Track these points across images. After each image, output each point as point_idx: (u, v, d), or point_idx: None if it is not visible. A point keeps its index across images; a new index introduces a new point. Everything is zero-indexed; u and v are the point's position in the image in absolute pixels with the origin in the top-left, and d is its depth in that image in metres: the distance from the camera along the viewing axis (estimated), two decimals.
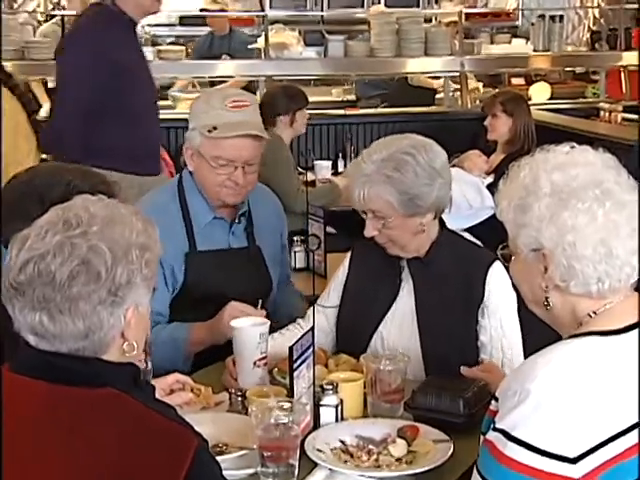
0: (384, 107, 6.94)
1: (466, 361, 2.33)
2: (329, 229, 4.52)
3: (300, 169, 5.64)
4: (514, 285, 1.76)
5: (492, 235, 2.22)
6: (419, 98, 6.84)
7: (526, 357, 1.63)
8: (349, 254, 2.63)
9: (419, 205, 2.37)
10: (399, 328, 2.47)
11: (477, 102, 6.72)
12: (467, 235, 2.76)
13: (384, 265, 2.50)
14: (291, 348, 2.00)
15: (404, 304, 2.48)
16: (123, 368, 1.51)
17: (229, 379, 2.32)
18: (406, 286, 2.49)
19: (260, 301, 2.46)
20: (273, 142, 4.67)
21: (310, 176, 4.99)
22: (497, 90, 6.82)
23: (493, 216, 1.76)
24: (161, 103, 4.75)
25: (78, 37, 3.93)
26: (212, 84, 6.84)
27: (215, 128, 2.58)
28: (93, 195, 1.62)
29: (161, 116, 4.17)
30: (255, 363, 2.28)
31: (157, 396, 1.62)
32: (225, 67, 6.50)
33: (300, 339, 2.04)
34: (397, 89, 7.06)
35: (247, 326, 2.33)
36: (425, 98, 6.91)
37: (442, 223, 2.51)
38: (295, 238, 3.56)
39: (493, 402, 1.60)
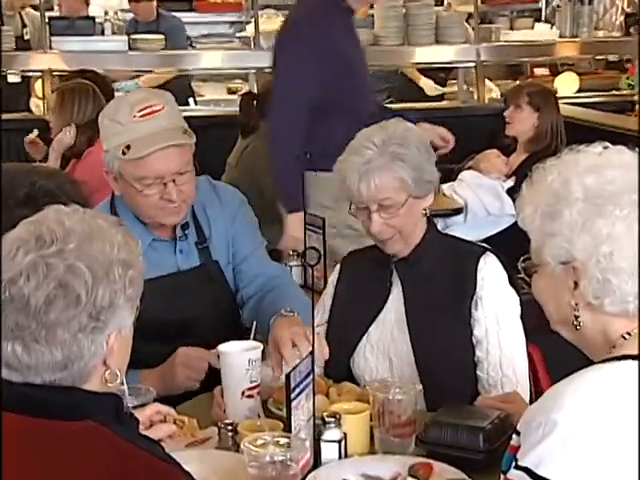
0: (389, 102, 6.97)
1: (461, 361, 2.46)
2: None
3: None
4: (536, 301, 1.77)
5: (513, 246, 2.23)
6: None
7: (552, 385, 1.64)
8: (339, 265, 2.76)
9: (429, 182, 2.52)
10: (390, 332, 2.57)
11: (497, 95, 6.75)
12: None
13: (374, 269, 2.63)
14: (288, 376, 2.01)
15: (394, 307, 2.58)
16: (104, 398, 1.53)
17: (217, 411, 2.34)
18: (396, 288, 2.60)
19: (254, 324, 2.46)
20: (255, 149, 4.67)
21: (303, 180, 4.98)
22: (518, 82, 6.85)
23: (514, 224, 1.78)
24: None
25: (298, 27, 3.95)
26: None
27: (129, 147, 2.54)
28: (61, 198, 1.63)
29: None
30: (244, 393, 2.30)
31: None
32: (209, 58, 6.54)
33: (298, 365, 2.06)
34: (403, 82, 7.09)
35: (234, 351, 2.34)
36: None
37: (428, 218, 2.61)
38: (291, 252, 3.58)
39: (514, 436, 1.61)
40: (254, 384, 2.31)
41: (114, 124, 2.58)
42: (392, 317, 2.58)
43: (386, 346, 2.57)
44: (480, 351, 2.50)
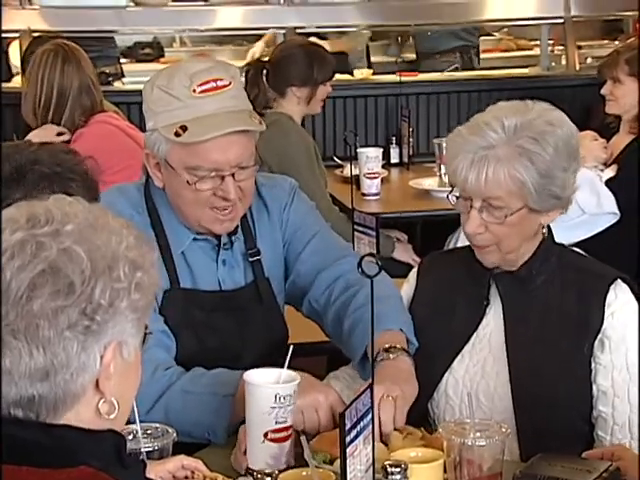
0: (453, 70, 6.98)
1: (575, 414, 2.44)
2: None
3: (338, 160, 5.68)
4: None
5: (612, 253, 2.23)
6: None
7: None
8: (414, 270, 2.74)
9: (556, 196, 2.46)
10: (481, 365, 2.56)
11: (590, 60, 6.73)
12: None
13: (465, 281, 2.61)
14: (343, 415, 2.00)
15: (490, 333, 2.57)
16: (101, 437, 1.51)
17: (238, 455, 2.34)
18: (493, 309, 2.58)
19: (291, 349, 2.41)
20: (280, 125, 4.66)
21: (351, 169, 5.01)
22: (618, 43, 6.82)
23: (615, 225, 1.78)
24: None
25: None
26: None
27: (184, 129, 2.55)
28: (56, 169, 1.63)
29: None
30: (266, 435, 2.30)
31: None
32: (229, 15, 6.56)
33: (354, 401, 2.04)
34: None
35: (259, 383, 2.32)
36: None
37: (548, 228, 2.59)
38: None
39: None
40: (281, 426, 2.30)
41: (168, 97, 2.58)
42: (485, 346, 2.57)
43: (474, 383, 2.55)
44: (604, 406, 2.48)
